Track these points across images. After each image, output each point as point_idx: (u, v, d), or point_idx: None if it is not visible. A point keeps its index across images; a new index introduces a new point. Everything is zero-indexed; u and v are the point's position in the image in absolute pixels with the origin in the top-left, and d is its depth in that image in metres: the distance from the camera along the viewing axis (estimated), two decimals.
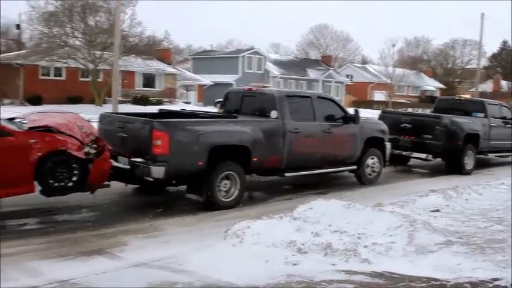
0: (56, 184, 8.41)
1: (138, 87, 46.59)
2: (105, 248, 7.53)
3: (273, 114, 11.02)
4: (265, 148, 10.60)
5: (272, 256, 6.91)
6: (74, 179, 8.54)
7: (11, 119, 9.13)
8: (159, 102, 41.44)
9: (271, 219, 7.92)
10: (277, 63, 64.79)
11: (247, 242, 7.30)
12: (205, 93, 54.21)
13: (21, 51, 44.33)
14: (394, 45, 70.30)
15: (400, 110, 44.91)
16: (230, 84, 47.24)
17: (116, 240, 7.99)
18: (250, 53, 60.48)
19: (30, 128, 8.48)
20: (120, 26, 30.32)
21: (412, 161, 17.30)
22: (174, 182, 10.18)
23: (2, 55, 44.02)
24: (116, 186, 10.04)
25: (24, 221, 8.88)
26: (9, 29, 61.14)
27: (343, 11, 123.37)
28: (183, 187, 10.30)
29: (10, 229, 8.48)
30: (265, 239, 7.29)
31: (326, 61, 71.87)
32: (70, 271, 6.59)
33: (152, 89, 47.22)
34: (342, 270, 6.58)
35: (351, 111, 13.06)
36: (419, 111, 45.75)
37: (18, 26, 53.84)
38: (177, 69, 52.82)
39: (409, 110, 52.90)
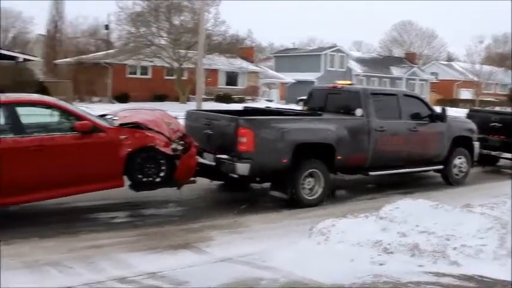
0: (145, 179, 8.66)
1: (221, 85, 47.15)
2: (192, 243, 7.69)
3: (358, 112, 10.89)
4: (349, 146, 10.49)
5: (357, 255, 6.82)
6: (162, 174, 8.75)
7: (102, 116, 9.45)
8: (241, 100, 41.80)
9: (357, 218, 7.83)
10: (360, 60, 64.01)
11: (332, 241, 7.25)
12: (287, 91, 54.24)
13: (110, 51, 45.75)
14: (481, 42, 68.03)
15: (488, 108, 43.37)
16: (312, 82, 47.15)
17: (202, 235, 8.13)
18: (333, 51, 60.03)
19: (121, 125, 8.75)
20: (204, 25, 30.74)
21: (501, 162, 16.66)
22: (258, 179, 10.26)
23: (92, 55, 45.62)
24: (201, 182, 10.19)
25: (114, 214, 9.19)
26: (98, 29, 63.29)
27: (428, 7, 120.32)
28: (267, 184, 10.35)
29: (101, 221, 8.81)
30: (350, 238, 7.20)
31: (410, 58, 70.32)
32: (158, 264, 6.76)
33: (235, 87, 47.66)
34: (430, 272, 6.42)
35: (437, 109, 12.73)
36: (509, 109, 44.02)
37: (107, 27, 55.59)
38: (260, 68, 53.10)
39: (497, 108, 50.99)
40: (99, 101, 38.18)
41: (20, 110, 8.12)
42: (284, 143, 9.58)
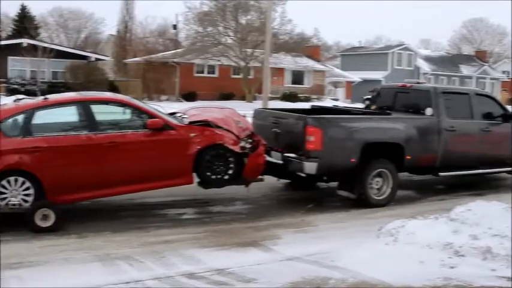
0: (213, 176, 8.76)
1: (287, 84, 47.15)
2: (259, 240, 7.72)
3: (428, 111, 10.68)
4: (419, 146, 10.30)
5: (427, 257, 6.70)
6: (230, 172, 8.83)
7: (172, 114, 9.61)
8: (307, 99, 41.69)
9: (426, 220, 7.68)
10: (428, 59, 62.66)
11: (401, 242, 7.14)
12: (353, 90, 53.74)
13: (178, 50, 46.47)
14: None
15: None
16: (379, 81, 46.53)
17: (269, 233, 8.16)
18: (400, 49, 59.03)
19: (191, 123, 8.88)
20: (271, 24, 30.82)
21: None
22: (325, 178, 10.21)
23: (160, 54, 46.42)
24: (268, 180, 10.22)
25: (183, 211, 9.34)
26: (167, 29, 64.40)
27: (500, 4, 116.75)
28: (334, 183, 10.29)
29: (170, 217, 8.97)
30: (420, 240, 7.08)
31: (480, 56, 68.33)
32: (226, 261, 6.83)
33: (301, 86, 47.57)
34: (503, 277, 6.25)
35: (510, 109, 12.33)
36: None
37: (175, 26, 56.55)
38: (326, 66, 52.83)
39: None
40: (167, 100, 38.84)
41: (94, 108, 8.38)
42: (352, 142, 9.51)
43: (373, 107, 12.81)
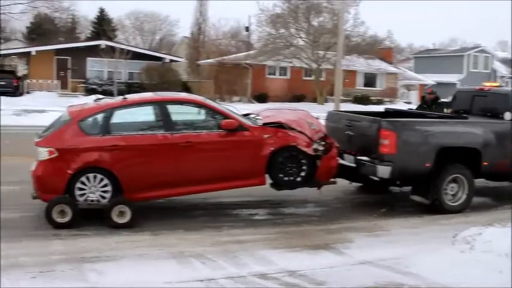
0: (286, 178, 8.78)
1: (359, 86, 46.70)
2: (330, 243, 7.70)
3: (507, 115, 10.35)
4: (497, 151, 9.98)
5: (506, 267, 6.49)
6: (303, 174, 8.83)
7: (245, 115, 9.70)
8: (379, 102, 41.18)
9: (505, 228, 7.45)
10: (506, 61, 60.74)
11: (477, 249, 6.96)
12: None
13: (250, 52, 46.80)
14: None
15: None
16: (454, 84, 45.50)
17: (341, 237, 8.12)
18: (476, 52, 57.52)
19: (264, 124, 8.94)
20: (344, 26, 30.59)
21: None
22: (398, 182, 10.04)
23: (233, 55, 46.89)
24: (340, 183, 10.16)
25: (255, 211, 9.41)
26: (239, 31, 64.96)
27: None
28: (407, 188, 10.12)
29: (242, 218, 9.06)
30: (498, 248, 6.87)
31: None
32: (297, 262, 6.86)
33: (373, 88, 46.99)
34: None
35: None
36: None
37: (247, 28, 56.95)
38: (399, 69, 51.99)
39: None
40: (239, 101, 39.15)
41: (170, 108, 8.56)
42: (427, 147, 9.32)
43: (448, 110, 12.52)
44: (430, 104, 14.03)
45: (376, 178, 9.40)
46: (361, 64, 43.40)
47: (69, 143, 8.07)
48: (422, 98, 15.64)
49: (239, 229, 8.26)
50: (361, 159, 9.49)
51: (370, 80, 47.45)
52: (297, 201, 10.05)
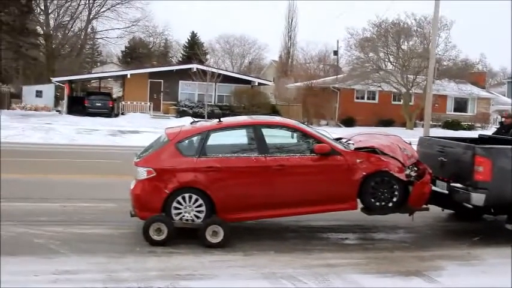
0: (377, 203, 8.76)
1: (449, 111, 45.71)
2: (422, 270, 7.60)
3: None
4: None
5: None
6: (394, 199, 8.78)
7: (337, 139, 9.76)
8: (470, 127, 40.12)
9: None
10: None
11: None
12: None
13: (338, 76, 46.85)
14: None
15: None
16: None
17: (433, 264, 8.02)
18: None
19: (356, 149, 8.98)
20: (434, 50, 30.13)
21: None
22: (492, 210, 9.79)
23: (321, 79, 47.09)
24: (432, 210, 10.00)
25: (346, 236, 9.42)
26: (328, 55, 65.06)
27: None
28: (502, 216, 9.83)
29: (333, 241, 9.09)
30: None
31: None
32: None
33: (464, 114, 45.87)
34: None
35: None
36: None
37: (335, 52, 56.95)
38: (491, 93, 50.53)
39: None
40: (326, 124, 39.21)
41: (265, 131, 8.75)
42: None
43: None
44: (507, 128, 13.63)
45: (469, 206, 9.20)
46: (451, 88, 42.53)
47: (166, 163, 8.39)
48: (501, 124, 15.21)
49: (330, 253, 8.29)
50: (455, 186, 9.32)
51: (460, 104, 46.34)
52: (388, 227, 9.99)
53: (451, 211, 11.00)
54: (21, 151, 20.05)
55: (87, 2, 57.25)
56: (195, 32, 73.16)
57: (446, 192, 9.52)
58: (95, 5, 57.96)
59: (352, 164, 8.65)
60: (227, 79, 41.16)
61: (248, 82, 43.30)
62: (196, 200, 8.36)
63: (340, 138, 9.89)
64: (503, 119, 14.49)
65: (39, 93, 44.60)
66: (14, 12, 40.59)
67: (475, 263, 8.21)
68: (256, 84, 44.02)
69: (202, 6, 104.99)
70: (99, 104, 39.86)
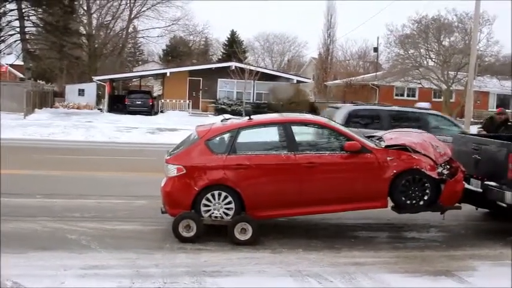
0: (408, 201, 8.66)
1: (491, 108, 44.75)
2: (453, 271, 7.48)
3: None
4: None
5: None
6: (426, 198, 8.67)
7: (369, 137, 9.68)
8: None
9: None
10: None
11: None
12: None
13: (378, 73, 46.43)
14: None
15: None
16: None
17: (464, 264, 7.89)
18: None
19: (387, 146, 8.90)
20: (476, 46, 29.60)
21: None
22: None
23: (360, 76, 46.80)
24: (465, 208, 9.85)
25: (375, 234, 9.37)
26: (367, 52, 64.56)
27: None
28: None
29: (362, 240, 9.02)
30: None
31: None
32: None
33: (507, 110, 44.74)
34: None
35: None
36: None
37: (375, 49, 56.49)
38: None
39: None
40: None
41: (294, 129, 8.75)
42: None
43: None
44: (498, 125, 13.31)
45: (504, 204, 9.03)
46: (494, 85, 41.71)
47: (196, 161, 8.46)
48: (491, 119, 14.80)
49: (358, 251, 8.23)
50: (489, 185, 9.16)
51: (503, 101, 45.38)
52: (419, 226, 9.87)
53: (485, 210, 10.81)
54: (62, 148, 20.54)
55: (128, 2, 58.01)
56: (234, 31, 73.46)
57: (480, 190, 9.36)
58: (136, 4, 58.71)
59: (383, 162, 8.56)
60: (266, 77, 41.21)
61: (287, 80, 43.25)
62: (226, 197, 8.39)
63: (372, 136, 9.81)
64: (495, 115, 14.15)
65: (81, 92, 45.49)
66: (57, 12, 41.33)
67: (508, 263, 8.02)
68: (295, 81, 43.93)
69: (242, 4, 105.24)
70: (139, 102, 40.39)
